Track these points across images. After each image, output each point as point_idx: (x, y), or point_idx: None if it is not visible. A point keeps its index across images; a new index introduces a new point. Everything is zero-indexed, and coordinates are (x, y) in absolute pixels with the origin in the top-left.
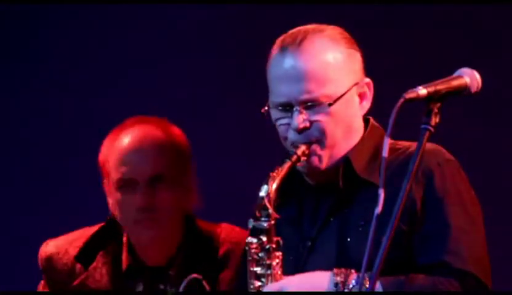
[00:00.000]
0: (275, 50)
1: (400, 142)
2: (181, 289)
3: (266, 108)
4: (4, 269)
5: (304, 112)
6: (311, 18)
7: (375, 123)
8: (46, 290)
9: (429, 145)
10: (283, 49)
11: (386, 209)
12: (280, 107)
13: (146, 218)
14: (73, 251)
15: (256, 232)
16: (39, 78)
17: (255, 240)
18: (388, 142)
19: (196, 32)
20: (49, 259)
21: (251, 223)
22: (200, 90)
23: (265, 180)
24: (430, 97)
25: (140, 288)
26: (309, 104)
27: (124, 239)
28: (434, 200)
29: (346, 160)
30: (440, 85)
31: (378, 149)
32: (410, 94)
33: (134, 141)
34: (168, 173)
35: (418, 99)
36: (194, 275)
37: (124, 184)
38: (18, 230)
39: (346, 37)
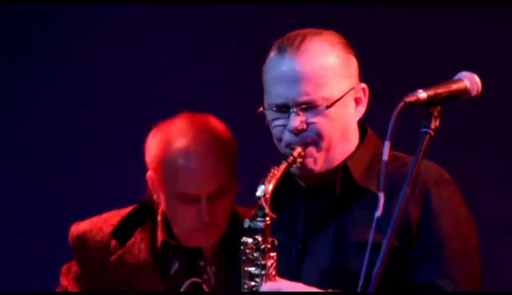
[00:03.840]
0: (273, 52)
1: (399, 154)
2: (182, 289)
3: (262, 109)
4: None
5: (301, 113)
6: (310, 18)
7: (372, 133)
8: (77, 269)
9: (427, 163)
10: (281, 51)
11: (384, 217)
12: (276, 109)
13: (207, 228)
14: (107, 229)
15: (251, 232)
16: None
17: (250, 240)
18: (388, 145)
19: (196, 33)
20: (81, 237)
21: (247, 223)
22: (199, 90)
23: (261, 180)
24: (430, 101)
25: (176, 265)
26: (306, 106)
27: (159, 218)
28: (429, 221)
29: (344, 167)
30: (440, 89)
31: (376, 157)
32: (410, 98)
33: (192, 154)
34: (228, 181)
35: (418, 103)
36: (194, 279)
37: (186, 198)
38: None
39: (343, 42)
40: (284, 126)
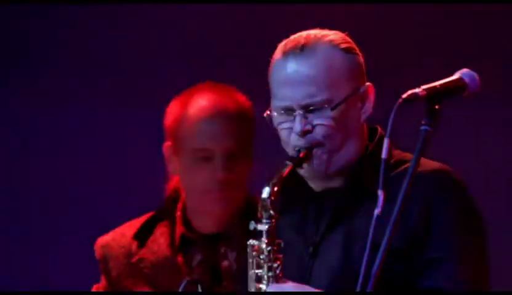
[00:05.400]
0: (277, 54)
1: (407, 155)
2: (180, 289)
3: (268, 112)
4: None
5: (307, 116)
6: (311, 18)
7: (383, 133)
8: (104, 282)
9: (437, 165)
10: (285, 54)
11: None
12: (282, 111)
13: (221, 190)
14: (130, 233)
15: (257, 234)
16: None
17: (256, 242)
18: (387, 143)
19: (197, 33)
20: (105, 246)
21: (252, 225)
22: None
23: (267, 182)
24: (429, 98)
25: (198, 257)
26: (311, 108)
27: (178, 213)
28: (439, 224)
29: (353, 169)
30: (440, 86)
31: (386, 159)
32: (409, 96)
33: (211, 111)
34: (244, 147)
35: (417, 100)
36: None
37: (202, 155)
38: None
39: (348, 41)
40: (290, 129)
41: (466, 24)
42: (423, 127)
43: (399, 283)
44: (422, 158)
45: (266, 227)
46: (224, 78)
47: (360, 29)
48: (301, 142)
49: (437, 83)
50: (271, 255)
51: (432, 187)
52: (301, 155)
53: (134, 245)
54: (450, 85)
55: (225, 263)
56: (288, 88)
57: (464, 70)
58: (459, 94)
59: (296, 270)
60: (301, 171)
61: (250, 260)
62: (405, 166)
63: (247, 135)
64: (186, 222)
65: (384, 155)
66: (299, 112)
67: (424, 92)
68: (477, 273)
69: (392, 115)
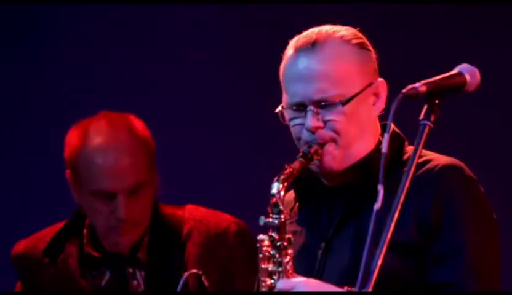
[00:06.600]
0: (289, 50)
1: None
2: (180, 284)
3: (280, 109)
4: None
5: (318, 111)
6: (312, 17)
7: (396, 130)
8: (21, 287)
9: (450, 160)
10: (297, 50)
11: (401, 217)
12: (294, 107)
13: (123, 226)
14: (42, 246)
15: (267, 229)
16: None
17: (266, 237)
18: (387, 138)
19: (199, 32)
20: (20, 256)
21: (262, 220)
22: (205, 89)
23: (277, 178)
24: (429, 93)
25: (107, 275)
26: (323, 103)
27: (84, 231)
28: (451, 220)
29: (365, 165)
30: (440, 81)
31: (398, 156)
32: (409, 91)
33: (108, 150)
34: (145, 180)
35: (418, 96)
36: (193, 270)
37: (101, 195)
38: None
39: (359, 37)
40: (302, 124)
41: (466, 22)
42: (422, 122)
43: (410, 277)
44: (435, 153)
45: (276, 222)
46: (226, 78)
47: (360, 27)
48: (313, 138)
49: (437, 78)
50: (282, 251)
51: (445, 181)
52: (312, 150)
53: (46, 260)
54: (450, 80)
55: (134, 283)
56: (300, 84)
57: (464, 65)
58: (459, 88)
59: (308, 265)
60: (313, 167)
61: (261, 256)
62: (418, 163)
63: (147, 164)
64: (94, 239)
65: (384, 149)
66: (311, 107)
67: (424, 87)
68: (489, 268)
69: (392, 110)
